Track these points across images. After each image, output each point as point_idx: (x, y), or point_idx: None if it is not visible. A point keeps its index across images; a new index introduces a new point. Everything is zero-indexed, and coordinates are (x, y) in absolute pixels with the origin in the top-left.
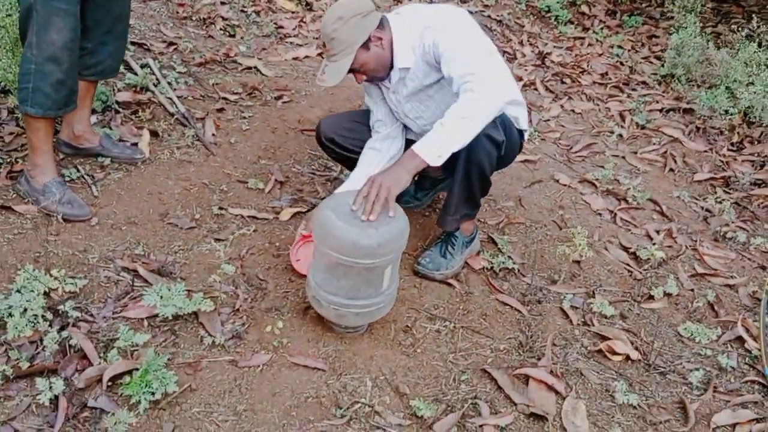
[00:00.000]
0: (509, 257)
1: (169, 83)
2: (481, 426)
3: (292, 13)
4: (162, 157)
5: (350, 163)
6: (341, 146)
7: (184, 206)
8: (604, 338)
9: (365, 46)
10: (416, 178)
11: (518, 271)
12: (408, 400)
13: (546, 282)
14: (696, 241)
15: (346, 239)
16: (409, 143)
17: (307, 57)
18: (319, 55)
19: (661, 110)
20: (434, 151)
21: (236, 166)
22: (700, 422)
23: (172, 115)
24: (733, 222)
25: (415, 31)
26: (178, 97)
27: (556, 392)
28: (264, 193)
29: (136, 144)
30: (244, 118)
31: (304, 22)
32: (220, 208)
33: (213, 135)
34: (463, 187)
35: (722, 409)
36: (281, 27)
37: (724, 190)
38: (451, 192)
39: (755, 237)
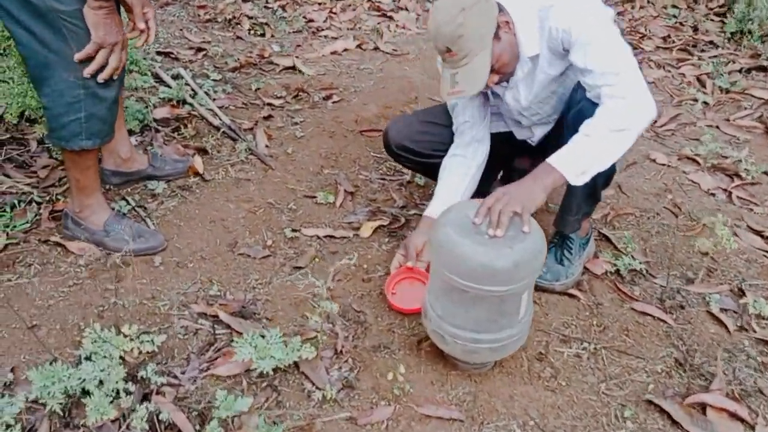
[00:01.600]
0: (632, 257)
1: (207, 93)
2: None
3: (319, 4)
4: (217, 178)
5: (429, 171)
6: (417, 152)
7: (252, 232)
8: None
9: (496, 35)
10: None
11: (646, 271)
12: None
13: (681, 282)
14: None
15: (475, 262)
16: (495, 138)
17: (346, 50)
18: (359, 47)
19: (740, 71)
20: (577, 168)
21: (299, 179)
22: None
23: (217, 128)
24: None
25: (532, 11)
26: (220, 107)
27: (742, 420)
28: (335, 207)
29: (184, 157)
30: (296, 124)
31: (335, 13)
32: (293, 230)
33: (266, 146)
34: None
35: None
36: (311, 21)
37: None
38: (570, 188)
39: None
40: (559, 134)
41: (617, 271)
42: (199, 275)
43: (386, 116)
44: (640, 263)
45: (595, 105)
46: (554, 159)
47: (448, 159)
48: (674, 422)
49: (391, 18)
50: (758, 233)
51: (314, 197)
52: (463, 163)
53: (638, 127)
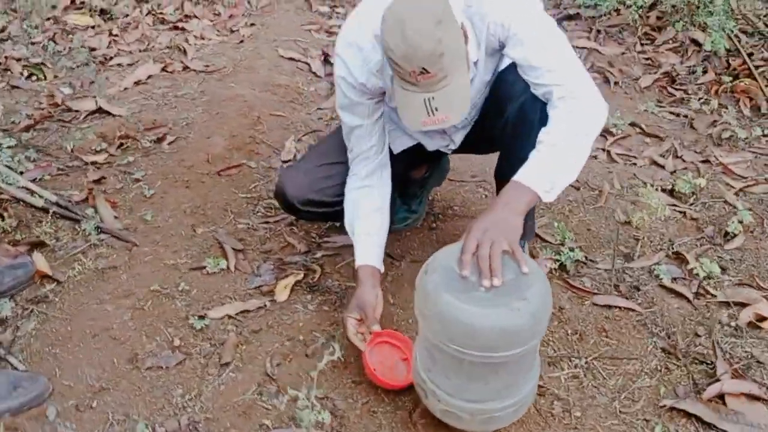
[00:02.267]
0: (570, 248)
1: (9, 167)
2: None
3: (93, 28)
4: (72, 275)
5: (335, 216)
6: (324, 203)
7: (150, 335)
8: (742, 305)
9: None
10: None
11: (586, 258)
12: None
13: (620, 260)
14: (702, 152)
15: (492, 330)
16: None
17: (150, 77)
18: (164, 69)
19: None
20: (548, 183)
21: (174, 249)
22: None
23: (44, 210)
24: (716, 120)
25: (458, 10)
26: (33, 181)
27: (761, 399)
28: (231, 272)
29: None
30: (138, 180)
31: (116, 35)
32: (199, 317)
33: (116, 218)
34: None
35: None
36: (93, 49)
37: (678, 89)
38: None
39: (752, 128)
40: (482, 132)
41: (561, 266)
42: (112, 415)
43: (238, 147)
44: (579, 251)
45: (538, 100)
46: (523, 177)
47: (357, 192)
48: (705, 423)
49: (184, 30)
50: (662, 189)
51: (202, 268)
52: (376, 194)
53: (598, 128)
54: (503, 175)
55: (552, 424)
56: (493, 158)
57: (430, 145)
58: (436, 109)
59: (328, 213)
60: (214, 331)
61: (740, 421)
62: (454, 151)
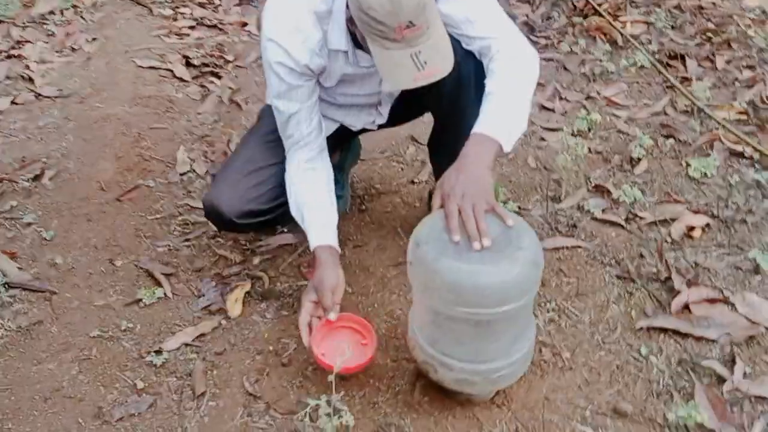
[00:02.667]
0: (504, 202)
1: None
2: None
3: None
4: None
5: (274, 222)
6: (262, 211)
7: (107, 384)
8: (670, 221)
9: None
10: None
11: (520, 208)
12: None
13: (551, 204)
14: (582, 90)
15: (500, 284)
16: None
17: (1, 113)
18: (14, 103)
19: None
20: (507, 132)
21: (99, 288)
22: None
23: None
24: (584, 59)
25: None
26: None
27: (720, 300)
28: (170, 299)
29: None
30: (30, 224)
31: None
32: (155, 353)
33: (20, 269)
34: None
35: None
36: None
37: (539, 37)
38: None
39: (617, 60)
40: (412, 99)
41: None
42: None
43: (129, 168)
44: (512, 203)
45: (471, 57)
46: (484, 128)
47: (301, 177)
48: (682, 334)
49: (20, 57)
50: (562, 130)
51: (138, 301)
52: (321, 176)
53: (537, 76)
54: (441, 141)
55: (548, 371)
56: (398, 131)
57: (357, 124)
58: (426, 63)
59: (269, 221)
60: (176, 363)
61: (711, 325)
62: (381, 126)
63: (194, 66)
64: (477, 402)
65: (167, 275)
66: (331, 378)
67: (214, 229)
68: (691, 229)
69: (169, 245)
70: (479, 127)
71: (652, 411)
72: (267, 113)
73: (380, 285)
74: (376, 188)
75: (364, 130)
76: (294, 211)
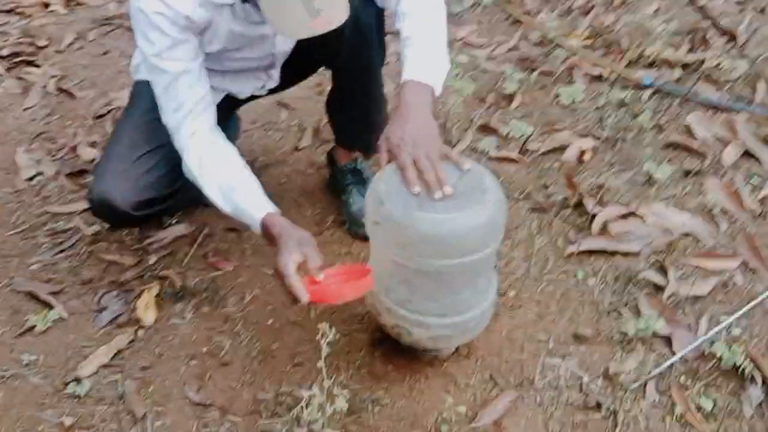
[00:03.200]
0: None
1: None
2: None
3: None
4: None
5: (175, 208)
6: (159, 199)
7: (29, 428)
8: (561, 149)
9: None
10: None
11: None
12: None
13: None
14: None
15: (477, 228)
16: None
17: None
18: None
19: None
20: (435, 75)
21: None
22: None
23: None
24: None
25: None
26: None
27: (631, 214)
28: (70, 319)
29: None
30: None
31: None
32: (74, 381)
33: None
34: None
35: None
36: None
37: None
38: (369, 99)
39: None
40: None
41: None
42: None
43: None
44: None
45: (370, 4)
46: (414, 74)
47: (212, 153)
48: (610, 252)
49: None
50: None
51: (32, 329)
52: (229, 149)
53: (445, 9)
54: (344, 98)
55: (500, 312)
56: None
57: (246, 91)
58: (320, 10)
59: (166, 208)
60: (101, 388)
61: (632, 239)
62: (271, 91)
63: (3, 57)
64: (443, 359)
65: (54, 293)
66: (320, 364)
67: (92, 232)
68: (582, 153)
69: (42, 261)
70: (410, 75)
71: (608, 329)
72: (140, 92)
73: None
74: (261, 161)
75: (251, 98)
76: (216, 198)
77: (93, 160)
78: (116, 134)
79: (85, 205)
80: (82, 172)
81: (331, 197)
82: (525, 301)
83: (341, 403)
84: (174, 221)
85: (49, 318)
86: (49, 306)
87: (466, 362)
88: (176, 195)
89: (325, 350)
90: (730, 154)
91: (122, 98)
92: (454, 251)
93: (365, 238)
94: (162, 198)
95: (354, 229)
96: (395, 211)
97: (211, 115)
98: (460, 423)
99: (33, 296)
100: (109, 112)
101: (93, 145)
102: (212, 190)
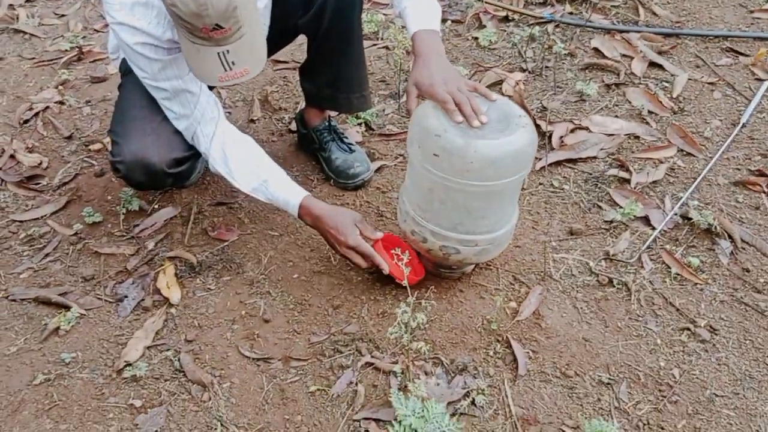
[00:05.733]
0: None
1: None
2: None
3: None
4: None
5: (189, 174)
6: (185, 159)
7: (101, 420)
8: (499, 83)
9: None
10: None
11: (377, 111)
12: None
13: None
14: None
15: (523, 151)
16: None
17: None
18: None
19: None
20: (436, 21)
21: (7, 342)
22: None
23: None
24: None
25: None
26: None
27: (579, 128)
28: (91, 316)
29: None
30: None
31: None
32: (126, 366)
33: None
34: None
35: None
36: None
37: None
38: (345, 56)
39: None
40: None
41: (366, 124)
42: None
43: None
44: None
45: None
46: (422, 24)
47: (239, 153)
48: (573, 161)
49: None
50: None
51: (56, 330)
52: (251, 144)
53: None
54: (323, 62)
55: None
56: None
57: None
58: (233, 63)
59: (185, 171)
60: (155, 367)
61: (587, 146)
62: None
63: None
64: (469, 274)
65: (64, 294)
66: (405, 283)
67: (71, 232)
68: (517, 83)
69: (31, 268)
70: (418, 26)
71: (594, 222)
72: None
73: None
74: None
75: None
76: (252, 193)
77: (40, 164)
78: (128, 100)
79: (54, 207)
80: (32, 178)
81: (306, 157)
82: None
83: (421, 317)
84: (157, 206)
85: (71, 317)
86: (64, 307)
87: (489, 272)
88: (194, 158)
89: (406, 270)
90: (638, 67)
91: (44, 101)
92: (510, 170)
93: (355, 188)
94: (187, 158)
95: (342, 181)
96: (456, 142)
97: (218, 111)
98: (504, 320)
99: (41, 301)
100: (36, 114)
101: (32, 150)
102: (247, 188)
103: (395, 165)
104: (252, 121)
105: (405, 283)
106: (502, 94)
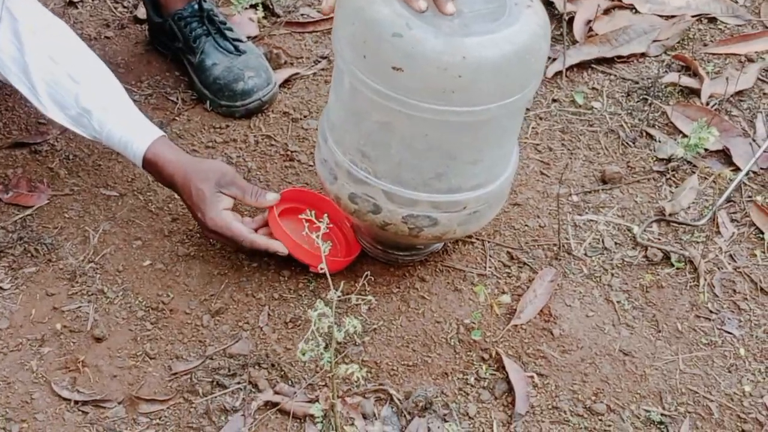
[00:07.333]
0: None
1: None
2: None
3: None
4: None
5: None
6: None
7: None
8: None
9: None
10: None
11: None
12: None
13: None
14: None
15: (520, 52)
16: None
17: None
18: None
19: None
20: None
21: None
22: None
23: None
24: None
25: None
26: None
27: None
28: None
29: None
30: None
31: None
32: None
33: None
34: None
35: None
36: None
37: None
38: None
39: None
40: None
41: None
42: None
43: None
44: None
45: None
46: None
47: (43, 37)
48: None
49: None
50: None
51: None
52: (64, 30)
53: None
54: None
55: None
56: None
57: None
58: None
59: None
60: None
61: (633, 36)
62: None
63: None
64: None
65: None
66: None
67: None
68: None
69: None
70: None
71: (641, 161)
72: None
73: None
74: None
75: None
76: (73, 122)
77: None
78: None
79: None
80: None
81: (163, 64)
82: (537, 151)
83: (354, 323)
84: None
85: None
86: None
87: (470, 248)
88: None
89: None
90: None
91: None
92: (518, 81)
93: (247, 114)
94: None
95: (224, 103)
96: (430, 43)
97: None
98: (493, 325)
99: None
100: None
101: None
102: (59, 116)
103: (314, 75)
104: (72, 3)
105: (323, 269)
106: None
